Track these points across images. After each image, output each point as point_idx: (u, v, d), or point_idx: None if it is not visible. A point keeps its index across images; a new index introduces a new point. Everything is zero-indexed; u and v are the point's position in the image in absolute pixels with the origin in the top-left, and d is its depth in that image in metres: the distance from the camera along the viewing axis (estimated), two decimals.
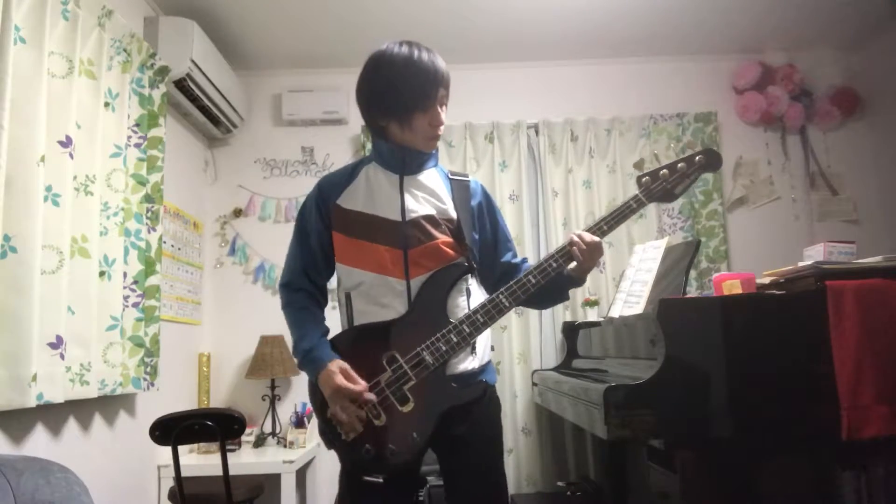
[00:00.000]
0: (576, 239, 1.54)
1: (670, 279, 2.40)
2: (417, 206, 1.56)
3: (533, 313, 3.51)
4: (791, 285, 2.03)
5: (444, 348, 1.46)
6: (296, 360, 1.57)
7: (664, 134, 3.65)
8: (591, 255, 1.55)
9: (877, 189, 3.67)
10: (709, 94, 3.75)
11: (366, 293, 1.54)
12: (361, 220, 1.56)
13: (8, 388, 1.82)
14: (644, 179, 1.62)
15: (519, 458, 3.34)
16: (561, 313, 3.45)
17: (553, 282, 1.56)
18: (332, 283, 1.65)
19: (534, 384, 3.24)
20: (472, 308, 1.52)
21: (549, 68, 3.79)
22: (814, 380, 1.84)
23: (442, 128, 1.57)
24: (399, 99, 1.52)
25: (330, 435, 1.50)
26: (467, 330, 1.48)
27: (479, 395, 1.51)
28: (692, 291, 3.30)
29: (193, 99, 3.13)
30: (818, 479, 1.93)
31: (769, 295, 2.01)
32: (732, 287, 2.04)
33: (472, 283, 1.60)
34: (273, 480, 2.89)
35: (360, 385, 1.45)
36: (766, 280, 2.12)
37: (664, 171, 1.62)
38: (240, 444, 3.20)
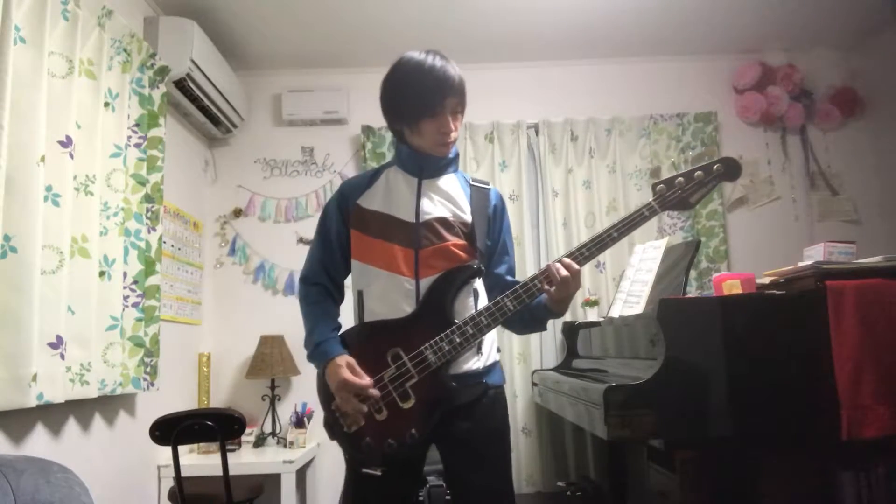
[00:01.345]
0: (553, 268, 1.50)
1: (670, 279, 2.40)
2: (433, 208, 1.59)
3: None
4: (791, 285, 2.03)
5: (446, 348, 1.49)
6: (306, 352, 1.61)
7: (664, 134, 3.65)
8: (564, 287, 1.49)
9: (877, 189, 3.67)
10: (709, 94, 3.75)
11: (377, 291, 1.57)
12: (378, 219, 1.60)
13: (8, 388, 1.82)
14: (659, 187, 1.58)
15: (519, 458, 3.33)
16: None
17: (530, 310, 1.56)
18: (348, 282, 1.69)
19: (534, 384, 3.24)
20: (477, 310, 1.54)
21: (549, 68, 3.79)
22: (814, 380, 1.84)
23: (453, 135, 1.59)
24: (407, 105, 1.56)
25: (333, 426, 1.54)
26: (471, 331, 1.50)
27: (479, 396, 1.52)
28: (692, 291, 3.30)
29: (193, 99, 3.13)
30: (818, 479, 1.93)
31: (769, 295, 2.01)
32: (732, 287, 2.04)
33: (481, 286, 1.62)
34: (273, 480, 2.89)
35: (365, 380, 1.49)
36: (766, 280, 2.12)
37: (680, 178, 1.58)
38: (240, 444, 3.20)
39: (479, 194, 1.67)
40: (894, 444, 1.82)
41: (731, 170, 1.60)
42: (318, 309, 1.64)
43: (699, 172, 1.58)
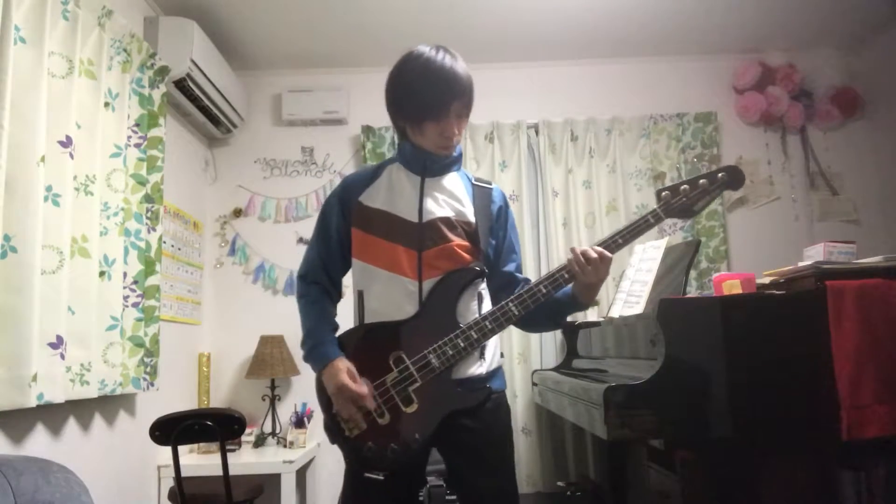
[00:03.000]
0: (576, 253, 1.51)
1: (670, 279, 2.40)
2: (436, 207, 1.57)
3: None
4: (791, 285, 2.03)
5: (450, 352, 1.47)
6: (302, 352, 1.58)
7: (664, 134, 3.65)
8: (594, 271, 1.49)
9: (877, 189, 3.67)
10: (709, 94, 3.75)
11: (378, 292, 1.55)
12: (380, 218, 1.57)
13: (8, 388, 1.82)
14: (664, 194, 1.59)
15: (519, 458, 3.33)
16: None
17: (556, 301, 1.55)
18: (348, 280, 1.66)
19: (534, 384, 3.23)
20: (481, 314, 1.52)
21: (549, 68, 3.79)
22: (814, 380, 1.84)
23: (456, 138, 1.57)
24: (412, 105, 1.54)
25: (334, 430, 1.52)
26: (475, 335, 1.48)
27: (482, 401, 1.50)
28: (692, 291, 3.30)
29: (193, 99, 3.13)
30: (818, 479, 1.93)
31: (769, 295, 2.01)
32: (732, 287, 2.04)
33: (485, 288, 1.61)
34: (273, 480, 2.89)
35: (364, 389, 1.46)
36: (766, 280, 2.12)
37: (685, 186, 1.58)
38: (240, 444, 3.20)
39: (481, 193, 1.64)
40: (894, 444, 1.82)
41: (735, 178, 1.61)
42: (317, 308, 1.61)
43: (703, 180, 1.59)
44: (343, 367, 1.48)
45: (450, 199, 1.59)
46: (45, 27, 2.00)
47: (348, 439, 1.49)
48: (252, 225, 3.67)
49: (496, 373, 1.59)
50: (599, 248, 1.51)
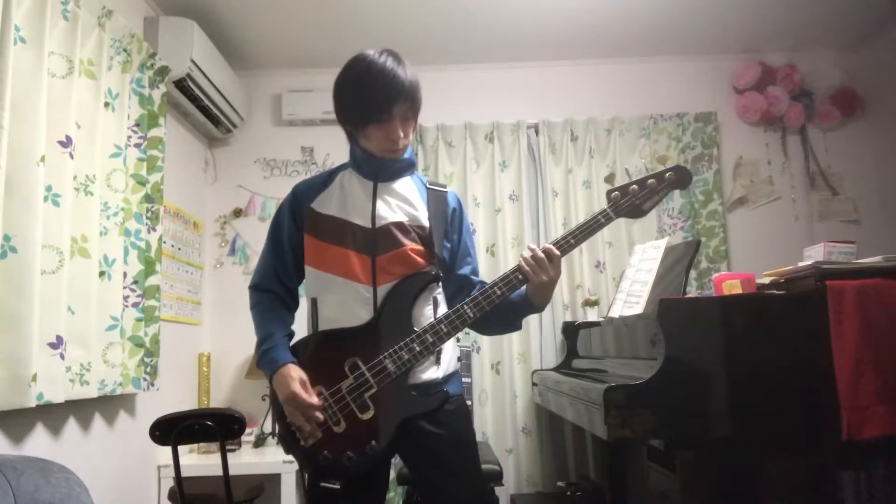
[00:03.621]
0: (525, 252, 1.51)
1: (670, 279, 2.40)
2: (389, 212, 1.56)
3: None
4: (791, 285, 2.03)
5: (406, 357, 1.46)
6: (255, 360, 1.58)
7: (664, 134, 3.65)
8: (544, 270, 1.49)
9: (877, 189, 3.67)
10: (709, 94, 3.75)
11: (332, 299, 1.53)
12: (333, 225, 1.56)
13: (8, 388, 1.82)
14: (613, 194, 1.62)
15: (519, 458, 3.33)
16: (561, 313, 3.45)
17: (511, 303, 1.55)
18: (302, 289, 1.65)
19: (534, 384, 3.24)
20: (437, 317, 1.51)
21: (549, 68, 3.79)
22: (814, 380, 1.84)
23: (402, 142, 1.55)
24: (355, 108, 1.53)
25: (289, 440, 1.50)
26: (430, 339, 1.48)
27: (439, 405, 1.50)
28: (692, 291, 3.30)
29: (193, 99, 3.13)
30: (818, 479, 1.92)
31: (769, 295, 2.01)
32: (732, 287, 2.04)
33: (440, 292, 1.60)
34: (273, 480, 2.89)
35: (314, 399, 1.45)
36: (766, 280, 2.12)
37: (634, 186, 1.61)
38: (240, 444, 3.20)
39: (436, 197, 1.63)
40: (894, 444, 1.82)
41: (682, 178, 1.63)
42: (270, 315, 1.60)
43: (652, 180, 1.62)
44: (295, 375, 1.46)
45: (403, 203, 1.58)
46: (45, 27, 2.00)
47: (303, 448, 1.48)
48: (252, 225, 3.67)
49: (452, 377, 1.58)
50: (548, 246, 1.51)
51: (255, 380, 3.41)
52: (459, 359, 1.67)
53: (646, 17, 3.34)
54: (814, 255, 2.08)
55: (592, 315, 3.26)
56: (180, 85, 2.98)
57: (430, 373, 1.52)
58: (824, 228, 3.61)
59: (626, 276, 2.79)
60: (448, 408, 1.52)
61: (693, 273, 3.35)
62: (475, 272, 1.69)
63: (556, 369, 3.16)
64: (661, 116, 3.66)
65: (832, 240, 2.14)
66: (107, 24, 2.39)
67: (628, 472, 2.76)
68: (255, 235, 3.65)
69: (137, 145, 2.61)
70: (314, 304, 1.56)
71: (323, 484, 1.45)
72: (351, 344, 1.49)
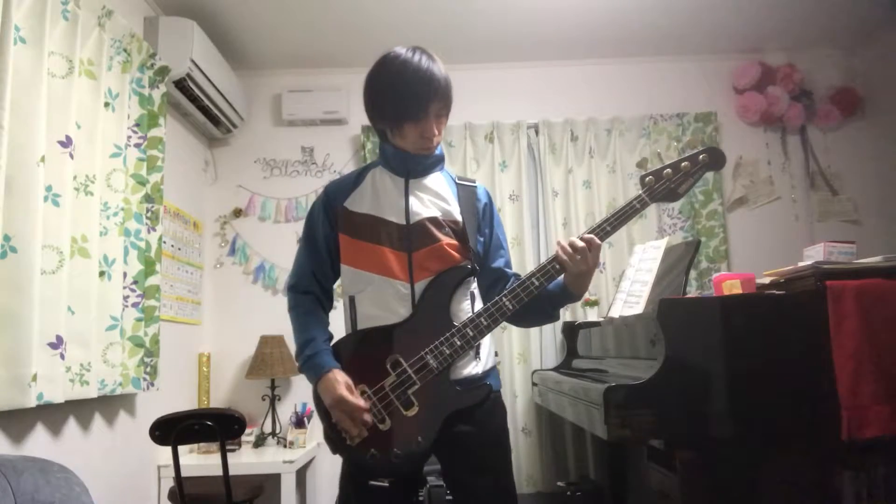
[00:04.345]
0: (562, 244, 1.51)
1: (670, 279, 2.40)
2: (422, 208, 1.56)
3: None
4: (791, 285, 2.03)
5: (447, 352, 1.46)
6: (297, 364, 1.57)
7: (664, 134, 3.65)
8: (583, 259, 1.49)
9: (877, 189, 3.67)
10: (709, 94, 3.75)
11: (370, 296, 1.53)
12: (367, 223, 1.56)
13: (8, 388, 1.82)
14: (648, 179, 1.59)
15: (519, 458, 3.33)
16: (561, 313, 3.44)
17: (549, 293, 1.55)
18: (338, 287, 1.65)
19: (534, 384, 3.24)
20: (475, 311, 1.51)
21: (549, 68, 3.79)
22: (814, 380, 1.84)
23: (436, 139, 1.56)
24: (390, 108, 1.53)
25: (335, 439, 1.50)
26: (471, 333, 1.48)
27: (483, 399, 1.50)
28: (692, 291, 3.30)
29: (193, 99, 3.13)
30: (818, 479, 1.92)
31: (769, 295, 2.01)
32: (732, 287, 2.04)
33: (476, 287, 1.60)
34: (273, 480, 2.89)
35: (362, 402, 1.45)
36: (766, 280, 2.12)
37: (668, 170, 1.59)
38: (240, 444, 3.20)
39: (466, 192, 1.64)
40: (894, 444, 1.82)
41: (716, 158, 1.62)
42: (310, 319, 1.59)
43: (686, 163, 1.60)
44: (341, 380, 1.46)
45: (435, 198, 1.59)
46: (45, 27, 2.00)
47: (350, 448, 1.48)
48: (252, 225, 3.67)
49: (492, 372, 1.59)
50: (588, 236, 1.51)
51: (255, 380, 3.41)
52: (497, 353, 1.67)
53: (646, 17, 3.34)
54: (814, 255, 2.08)
55: (592, 315, 3.26)
56: (180, 85, 2.98)
57: (471, 368, 1.52)
58: (824, 228, 3.61)
59: (626, 276, 2.79)
60: (487, 406, 1.51)
61: (693, 273, 3.35)
62: (508, 264, 1.69)
63: (556, 369, 3.16)
64: (660, 116, 3.66)
65: (832, 240, 2.14)
66: (107, 24, 2.39)
67: (628, 472, 2.76)
68: (255, 235, 3.66)
69: (137, 145, 2.61)
70: (352, 302, 1.56)
71: (372, 482, 1.45)
72: (391, 341, 1.49)
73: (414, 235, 1.53)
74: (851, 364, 1.81)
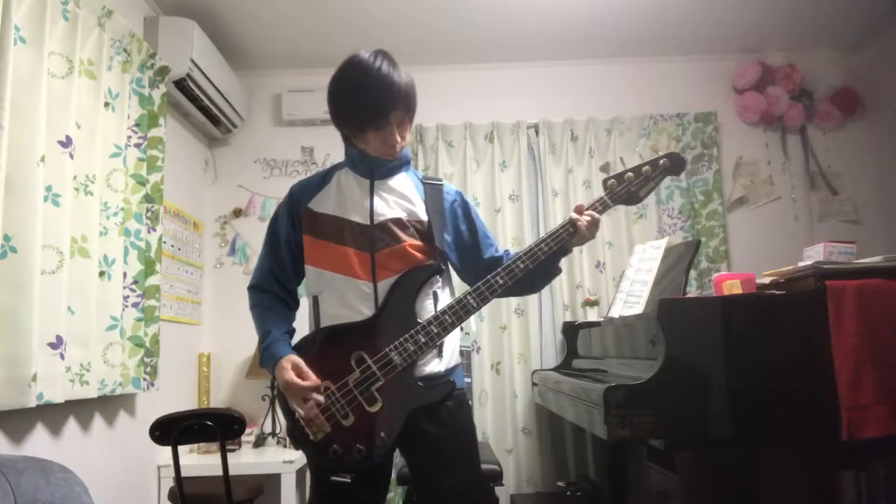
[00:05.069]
0: (580, 216, 1.58)
1: (670, 279, 2.40)
2: (387, 209, 1.57)
3: (533, 313, 3.51)
4: (791, 285, 2.03)
5: (412, 349, 1.48)
6: (259, 360, 1.59)
7: (664, 134, 3.65)
8: (592, 231, 1.59)
9: (877, 189, 3.67)
10: (709, 94, 3.75)
11: (333, 296, 1.54)
12: (331, 223, 1.57)
13: (8, 388, 1.82)
14: (609, 182, 1.65)
15: (519, 458, 3.33)
16: (561, 313, 3.45)
17: (544, 261, 1.58)
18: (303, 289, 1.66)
19: (534, 384, 3.23)
20: (439, 309, 1.52)
21: (549, 68, 3.79)
22: (814, 380, 1.84)
23: (399, 145, 1.58)
24: (351, 115, 1.55)
25: (298, 435, 1.51)
26: (435, 330, 1.49)
27: (446, 396, 1.51)
28: (692, 291, 3.30)
29: (193, 99, 3.13)
30: (818, 479, 1.93)
31: (769, 295, 2.01)
32: (732, 287, 2.04)
33: (440, 286, 1.61)
34: (273, 480, 2.89)
35: (310, 381, 1.46)
36: (766, 280, 2.12)
37: (629, 174, 1.65)
38: (240, 444, 3.20)
39: (433, 191, 1.65)
40: (894, 444, 1.82)
41: (676, 164, 1.68)
42: (269, 314, 1.61)
43: (646, 167, 1.66)
44: (288, 366, 1.48)
45: (400, 199, 1.60)
46: (45, 27, 2.00)
47: (312, 443, 1.48)
48: (252, 225, 3.67)
49: (455, 370, 1.60)
50: (590, 211, 1.60)
51: (255, 380, 3.41)
52: (462, 352, 1.68)
53: (646, 17, 3.34)
54: (814, 255, 2.08)
55: (592, 315, 3.26)
56: (180, 85, 2.98)
57: (433, 366, 1.53)
58: (824, 228, 3.61)
59: (626, 276, 2.79)
60: (449, 405, 1.53)
61: (693, 273, 3.35)
62: (496, 248, 1.72)
63: (556, 369, 3.16)
64: (660, 116, 3.66)
65: (832, 240, 2.14)
66: (107, 24, 2.39)
67: (628, 472, 2.76)
68: (255, 235, 3.65)
69: (137, 145, 2.61)
70: (315, 301, 1.57)
71: (333, 478, 1.46)
72: (356, 338, 1.50)
73: (377, 235, 1.54)
74: (851, 364, 1.81)
